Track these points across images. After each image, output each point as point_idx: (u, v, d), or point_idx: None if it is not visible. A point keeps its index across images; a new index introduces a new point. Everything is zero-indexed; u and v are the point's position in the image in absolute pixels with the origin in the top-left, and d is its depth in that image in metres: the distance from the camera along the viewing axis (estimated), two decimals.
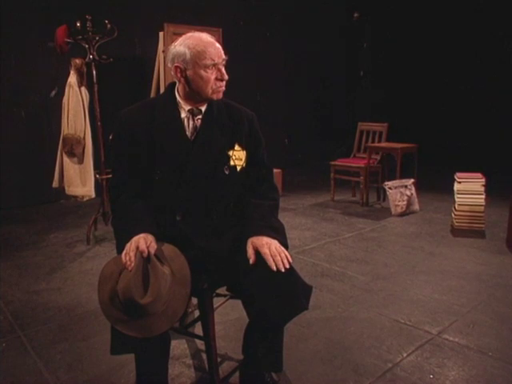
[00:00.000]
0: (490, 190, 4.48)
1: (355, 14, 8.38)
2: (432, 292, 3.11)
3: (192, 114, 1.89)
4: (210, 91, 1.85)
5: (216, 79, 1.84)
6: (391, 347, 2.43)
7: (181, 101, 1.90)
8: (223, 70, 1.85)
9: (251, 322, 1.92)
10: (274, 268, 1.69)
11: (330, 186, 5.78)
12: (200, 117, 1.90)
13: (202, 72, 1.81)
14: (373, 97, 8.52)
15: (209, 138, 1.88)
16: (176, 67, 1.85)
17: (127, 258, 1.66)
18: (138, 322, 1.64)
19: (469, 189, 4.34)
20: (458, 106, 7.83)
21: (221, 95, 1.89)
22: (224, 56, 1.85)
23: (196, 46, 1.81)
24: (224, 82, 1.87)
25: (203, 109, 1.91)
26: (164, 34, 5.35)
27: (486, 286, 3.20)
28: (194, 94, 1.87)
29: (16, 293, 3.16)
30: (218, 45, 1.85)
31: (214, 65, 1.82)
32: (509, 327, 2.62)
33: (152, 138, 1.84)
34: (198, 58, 1.80)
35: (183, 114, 1.89)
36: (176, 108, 1.89)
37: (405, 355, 2.35)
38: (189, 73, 1.83)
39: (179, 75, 1.86)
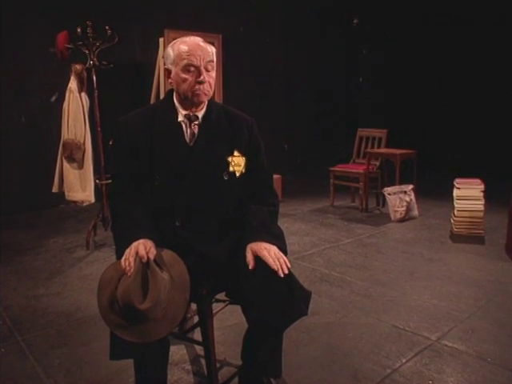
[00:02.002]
0: (489, 195, 4.48)
1: (355, 20, 8.42)
2: (431, 298, 3.11)
3: (189, 120, 1.89)
4: (190, 94, 1.82)
5: (195, 82, 1.80)
6: (390, 353, 2.43)
7: (178, 105, 1.90)
8: (204, 72, 1.80)
9: (250, 328, 1.92)
10: (275, 268, 1.67)
11: (329, 191, 5.79)
12: (197, 123, 1.89)
13: (181, 73, 1.80)
14: (372, 102, 8.54)
15: (207, 145, 1.88)
16: (165, 69, 1.89)
17: (126, 264, 1.66)
18: (138, 328, 1.64)
19: (468, 195, 4.35)
20: (457, 111, 7.85)
21: (202, 98, 1.84)
22: (209, 58, 1.81)
23: (179, 47, 1.81)
24: (204, 86, 1.81)
25: (200, 115, 1.90)
26: (164, 40, 5.39)
27: (485, 291, 3.20)
28: (183, 97, 1.86)
29: (15, 297, 3.16)
30: (204, 47, 1.81)
31: (194, 66, 1.78)
32: (508, 333, 2.62)
33: (151, 143, 1.85)
34: (178, 58, 1.80)
35: (180, 118, 1.89)
36: (174, 113, 1.89)
37: (404, 361, 2.36)
38: (172, 74, 1.84)
39: (167, 78, 1.88)
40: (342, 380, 2.21)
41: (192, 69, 1.79)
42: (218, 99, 5.68)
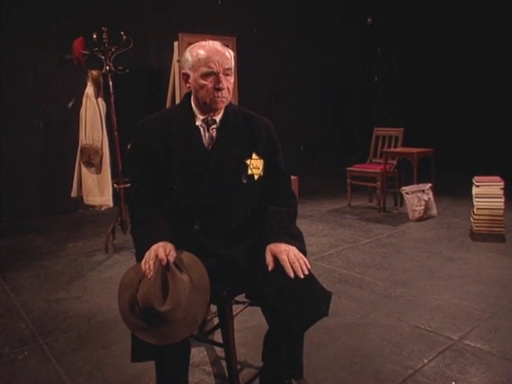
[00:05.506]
0: (509, 193, 4.43)
1: (368, 19, 8.37)
2: (452, 297, 3.07)
3: (207, 124, 1.88)
4: (208, 100, 1.80)
5: (214, 88, 1.78)
6: (412, 353, 2.41)
7: (196, 109, 1.89)
8: (222, 78, 1.77)
9: (271, 329, 1.91)
10: (292, 275, 1.68)
11: (346, 191, 5.76)
12: (215, 126, 1.89)
13: (200, 79, 1.78)
14: (388, 101, 8.48)
15: (226, 148, 1.88)
16: (183, 74, 1.87)
17: (146, 267, 1.67)
18: (158, 330, 1.65)
19: (487, 192, 4.29)
20: (476, 108, 7.74)
21: (220, 105, 1.83)
22: (228, 63, 1.79)
23: (197, 52, 1.79)
24: (223, 92, 1.79)
25: (217, 118, 1.89)
26: (179, 44, 5.42)
27: (507, 290, 3.15)
28: (201, 103, 1.84)
29: (36, 301, 3.19)
30: (223, 52, 1.79)
31: (213, 73, 1.77)
32: None
33: (170, 147, 1.85)
34: (197, 64, 1.78)
35: (198, 123, 1.89)
36: (192, 117, 1.89)
37: (426, 361, 2.33)
38: (191, 80, 1.83)
39: (185, 82, 1.86)
40: (363, 381, 2.19)
41: (211, 75, 1.77)
42: (234, 101, 5.68)
